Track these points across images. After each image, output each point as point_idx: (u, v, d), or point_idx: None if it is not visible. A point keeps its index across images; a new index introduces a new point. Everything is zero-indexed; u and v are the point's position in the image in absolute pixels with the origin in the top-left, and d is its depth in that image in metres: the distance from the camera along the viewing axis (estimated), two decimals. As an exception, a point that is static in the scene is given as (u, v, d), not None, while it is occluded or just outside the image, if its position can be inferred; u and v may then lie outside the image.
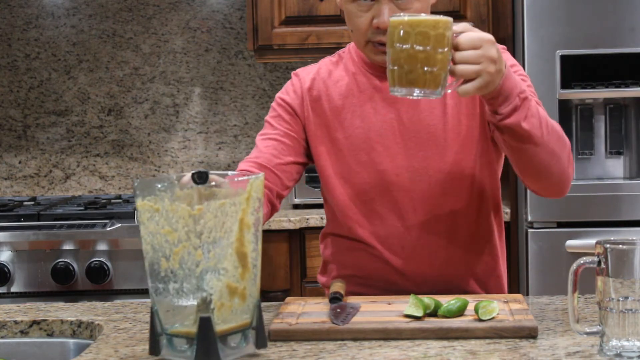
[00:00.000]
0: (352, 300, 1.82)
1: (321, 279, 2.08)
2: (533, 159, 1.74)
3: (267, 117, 2.01)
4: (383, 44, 1.82)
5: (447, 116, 1.91)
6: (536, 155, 1.74)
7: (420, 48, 1.58)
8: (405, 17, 1.60)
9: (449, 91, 1.65)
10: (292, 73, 2.04)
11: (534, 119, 1.69)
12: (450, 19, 1.60)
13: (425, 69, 1.59)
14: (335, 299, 1.78)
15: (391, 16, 1.63)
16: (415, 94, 1.61)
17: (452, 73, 1.61)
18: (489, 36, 1.62)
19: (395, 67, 1.61)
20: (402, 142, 1.92)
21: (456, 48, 1.61)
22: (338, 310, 1.70)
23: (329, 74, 1.99)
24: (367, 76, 1.96)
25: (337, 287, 1.83)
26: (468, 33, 1.62)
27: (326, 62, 2.03)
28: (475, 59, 1.60)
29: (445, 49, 1.59)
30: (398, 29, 1.60)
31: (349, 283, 1.96)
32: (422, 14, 1.63)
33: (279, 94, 2.02)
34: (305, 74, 2.01)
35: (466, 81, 1.62)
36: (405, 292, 1.90)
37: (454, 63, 1.61)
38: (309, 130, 1.98)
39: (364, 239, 1.95)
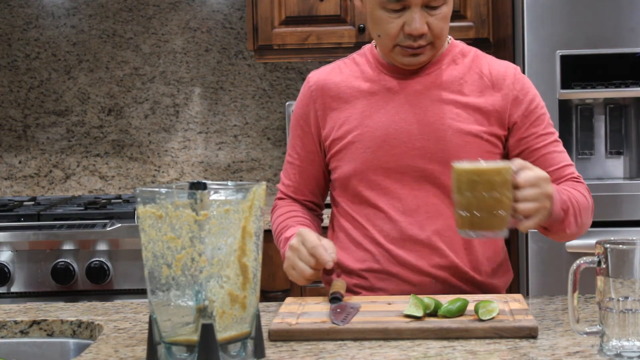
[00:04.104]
0: (352, 300, 1.82)
1: (324, 277, 2.08)
2: (563, 237, 1.92)
3: (289, 133, 2.09)
4: (411, 48, 1.91)
5: (456, 120, 1.94)
6: (566, 236, 1.91)
7: (492, 195, 1.65)
8: (468, 166, 1.66)
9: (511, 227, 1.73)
10: (306, 78, 2.07)
11: (571, 217, 1.85)
12: (510, 164, 1.68)
13: (494, 212, 1.66)
14: (335, 299, 1.78)
15: (453, 163, 1.69)
16: (485, 236, 1.70)
17: (514, 210, 1.69)
18: (544, 174, 1.72)
19: (467, 214, 1.67)
20: (411, 142, 1.94)
21: (515, 187, 1.69)
22: (338, 310, 1.70)
23: (341, 76, 2.03)
24: (380, 77, 1.99)
25: (337, 287, 1.83)
26: (526, 172, 1.70)
27: (339, 64, 2.07)
28: (534, 197, 1.70)
29: (509, 193, 1.67)
30: (464, 177, 1.65)
31: (352, 279, 1.96)
32: (481, 161, 1.70)
33: (294, 107, 2.09)
34: (316, 79, 2.05)
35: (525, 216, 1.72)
36: (407, 285, 1.92)
37: (515, 201, 1.69)
38: (320, 134, 2.03)
39: (370, 202, 1.97)
